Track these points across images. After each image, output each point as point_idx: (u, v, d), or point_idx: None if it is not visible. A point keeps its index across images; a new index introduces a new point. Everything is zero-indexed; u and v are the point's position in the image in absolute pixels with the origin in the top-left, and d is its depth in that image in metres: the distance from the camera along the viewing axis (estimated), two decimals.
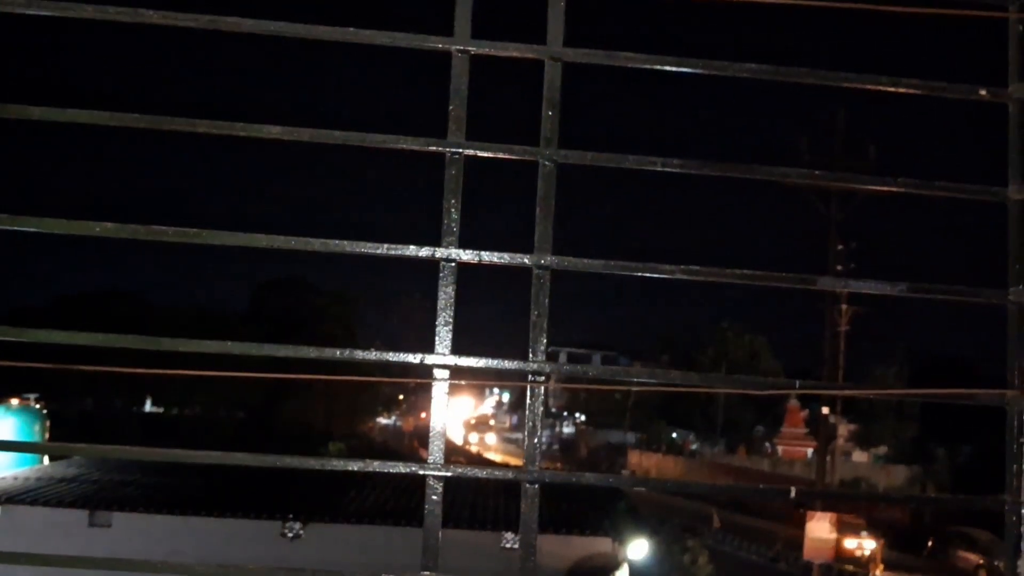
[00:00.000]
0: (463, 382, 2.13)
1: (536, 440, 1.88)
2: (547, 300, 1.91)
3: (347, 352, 1.92)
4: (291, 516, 13.42)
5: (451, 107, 1.94)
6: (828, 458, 35.50)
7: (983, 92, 1.95)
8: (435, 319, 1.90)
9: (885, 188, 1.93)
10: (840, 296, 36.02)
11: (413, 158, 2.02)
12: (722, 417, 63.45)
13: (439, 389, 1.88)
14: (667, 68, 1.95)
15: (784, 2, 2.04)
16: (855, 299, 36.50)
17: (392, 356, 1.92)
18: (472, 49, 1.95)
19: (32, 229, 1.90)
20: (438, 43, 1.95)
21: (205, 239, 1.91)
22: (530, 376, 1.89)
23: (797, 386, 1.94)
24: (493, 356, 1.93)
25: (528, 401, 1.88)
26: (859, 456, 59.60)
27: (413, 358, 1.89)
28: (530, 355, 1.91)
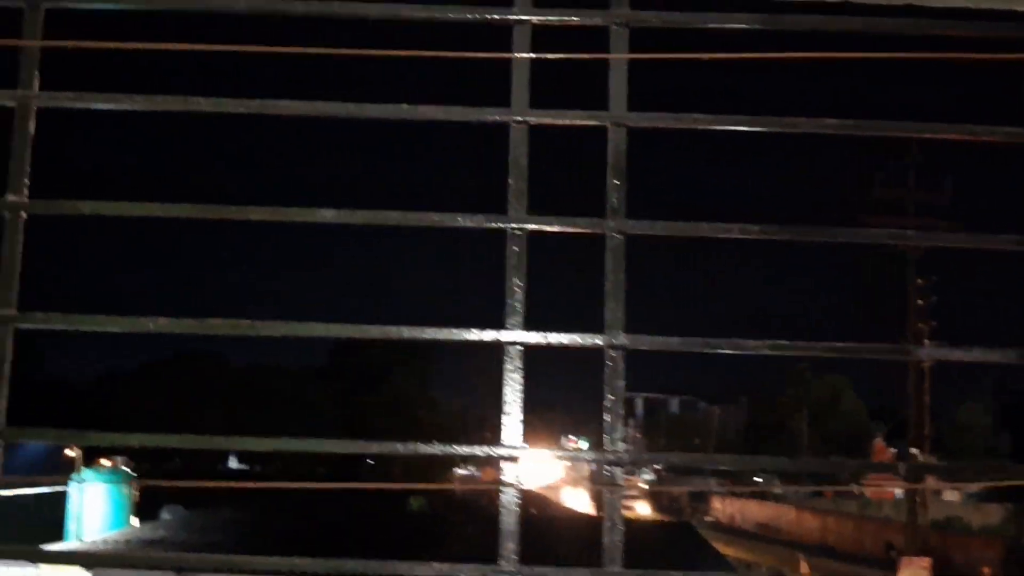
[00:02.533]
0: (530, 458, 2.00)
1: (618, 540, 1.73)
2: (622, 383, 1.77)
3: (412, 446, 1.80)
4: None
5: (510, 180, 1.84)
6: (918, 498, 34.08)
7: None
8: (501, 407, 1.78)
9: (971, 245, 1.76)
10: (923, 334, 34.88)
11: (474, 235, 1.92)
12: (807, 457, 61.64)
13: (507, 482, 1.75)
14: (739, 128, 1.82)
15: (826, 57, 1.89)
16: (939, 336, 35.30)
17: (461, 449, 1.81)
18: (531, 119, 1.85)
19: (88, 328, 1.84)
20: (495, 115, 1.86)
21: (259, 331, 1.83)
22: (605, 468, 1.75)
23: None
24: (556, 433, 1.80)
25: (606, 496, 1.74)
26: (950, 495, 57.16)
27: (479, 451, 1.77)
28: (606, 442, 1.77)
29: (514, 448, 1.75)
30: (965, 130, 1.75)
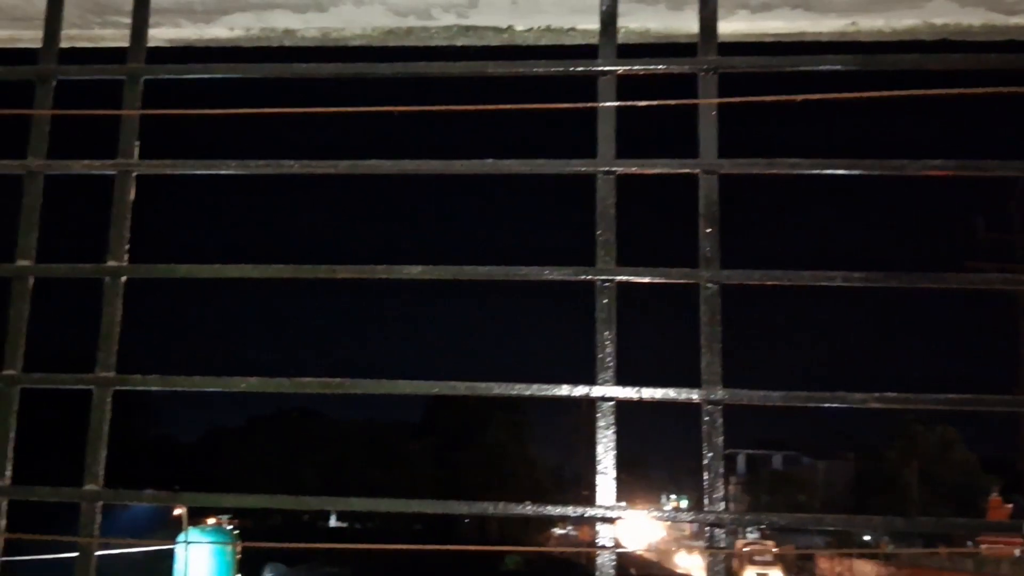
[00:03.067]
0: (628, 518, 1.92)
1: None
2: (720, 439, 1.70)
3: (503, 507, 1.76)
4: None
5: (598, 232, 1.80)
6: None
7: None
8: (595, 464, 1.73)
9: None
10: None
11: (562, 287, 1.88)
12: (917, 514, 58.87)
13: (603, 545, 1.69)
14: (836, 172, 1.75)
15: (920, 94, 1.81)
16: None
17: (553, 510, 1.75)
18: (617, 170, 1.81)
19: (183, 388, 1.87)
20: (580, 167, 1.83)
21: (348, 389, 1.82)
22: (708, 529, 1.67)
23: None
24: (655, 492, 1.73)
25: (707, 560, 1.66)
26: None
27: (573, 512, 1.71)
28: (706, 502, 1.69)
29: (609, 508, 1.68)
30: None
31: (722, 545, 1.68)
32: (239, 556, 22.20)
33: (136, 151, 1.91)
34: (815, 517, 1.71)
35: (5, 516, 1.80)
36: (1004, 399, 1.65)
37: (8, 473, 1.81)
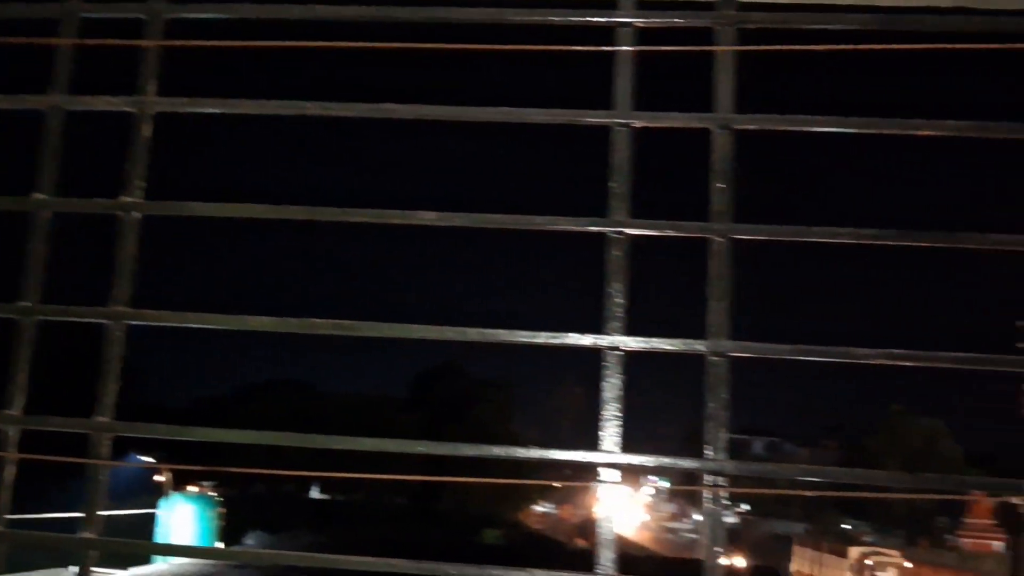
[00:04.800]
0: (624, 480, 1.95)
1: (718, 550, 1.68)
2: (725, 390, 1.72)
3: (509, 449, 1.78)
4: None
5: (612, 183, 1.82)
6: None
7: None
8: (599, 411, 1.75)
9: None
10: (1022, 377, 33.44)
11: (570, 240, 1.90)
12: (901, 506, 59.41)
13: (607, 490, 1.72)
14: (851, 130, 1.77)
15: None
16: None
17: (557, 454, 1.78)
18: (634, 122, 1.83)
19: (195, 325, 1.88)
20: (597, 118, 1.85)
21: (360, 331, 1.84)
22: (707, 477, 1.70)
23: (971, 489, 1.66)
24: (653, 448, 1.77)
25: (707, 508, 1.69)
26: None
27: (580, 456, 1.74)
28: (706, 451, 1.72)
29: (614, 453, 1.71)
30: None
31: (723, 496, 1.71)
32: (222, 523, 22.27)
33: (154, 89, 1.92)
34: (819, 469, 1.74)
35: (17, 446, 1.81)
36: (1010, 359, 1.68)
37: (21, 404, 1.83)
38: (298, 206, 1.85)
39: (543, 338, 1.77)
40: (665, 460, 1.75)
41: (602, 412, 1.73)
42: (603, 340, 1.75)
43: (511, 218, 1.85)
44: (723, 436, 1.71)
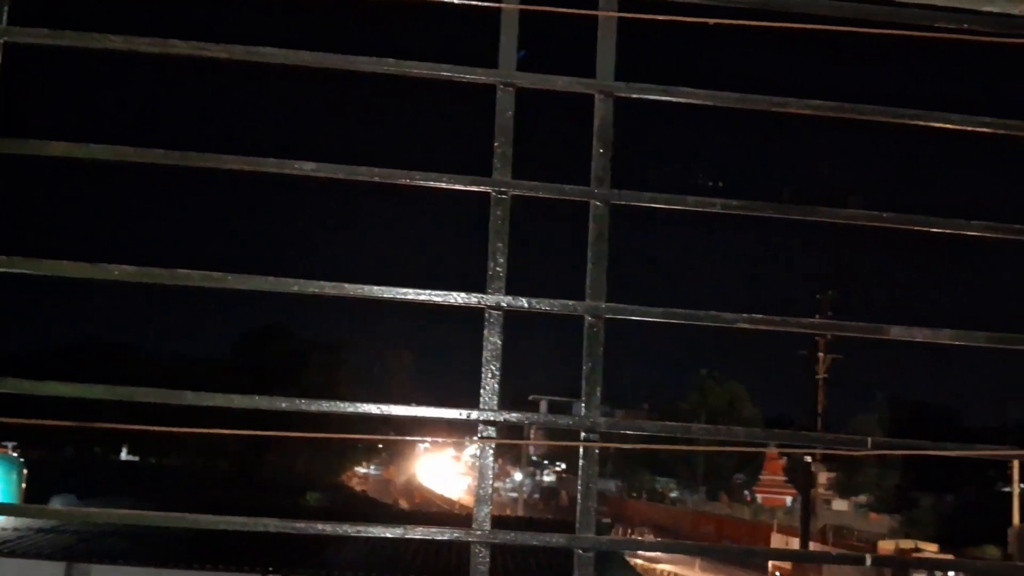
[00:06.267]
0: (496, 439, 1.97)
1: (591, 504, 1.73)
2: (601, 350, 1.77)
3: (381, 407, 1.77)
4: (271, 569, 13.07)
5: (496, 144, 1.82)
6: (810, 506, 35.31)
7: None
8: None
9: (960, 231, 1.82)
10: (818, 345, 36.26)
11: (450, 199, 1.90)
12: (703, 464, 63.12)
13: (485, 447, 1.73)
14: (728, 105, 1.84)
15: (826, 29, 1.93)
16: (835, 346, 36.75)
17: (432, 411, 1.78)
18: (518, 82, 1.83)
19: (51, 273, 1.75)
20: (482, 76, 1.84)
21: (232, 284, 1.77)
22: (584, 434, 1.75)
23: (869, 445, 1.80)
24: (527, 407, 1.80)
25: (582, 463, 1.74)
26: (839, 504, 59.27)
27: (459, 414, 1.75)
28: (583, 409, 1.77)
29: (493, 411, 1.73)
30: (960, 120, 1.81)
31: (595, 451, 1.77)
32: (24, 485, 20.97)
33: (4, 16, 1.75)
34: (682, 426, 1.82)
35: None
36: (861, 325, 1.81)
37: None
38: (172, 151, 1.75)
39: (426, 296, 1.76)
40: (541, 417, 1.79)
41: (482, 371, 1.75)
42: (486, 299, 1.75)
43: (393, 172, 1.81)
44: (599, 394, 1.76)
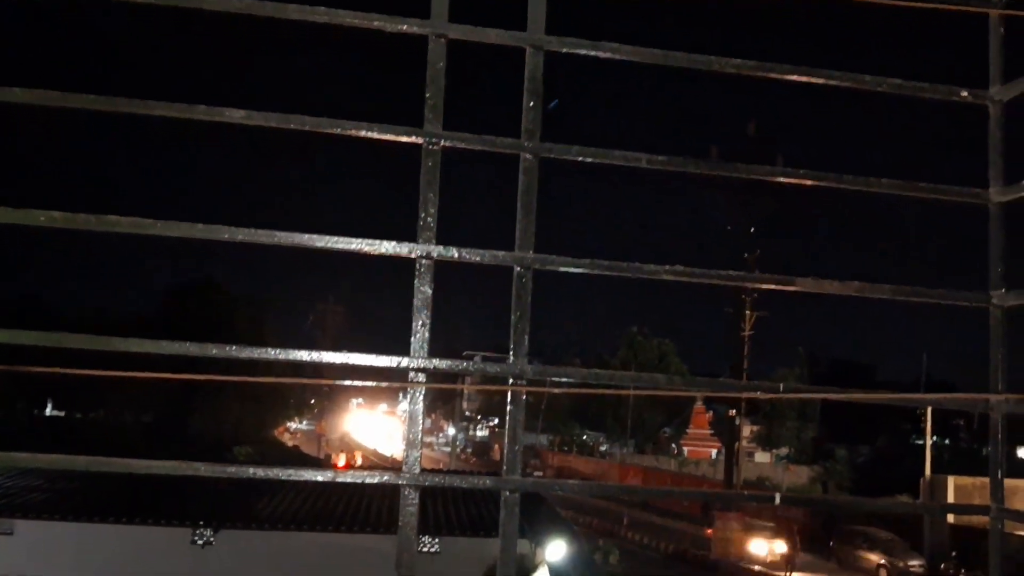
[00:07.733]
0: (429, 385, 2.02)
1: (517, 448, 1.80)
2: (529, 300, 1.82)
3: (316, 355, 1.79)
4: (202, 523, 13.01)
5: (427, 95, 1.84)
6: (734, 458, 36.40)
7: (964, 94, 1.94)
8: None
9: (870, 188, 1.91)
10: (744, 303, 37.24)
11: (380, 150, 1.92)
12: (632, 419, 64.34)
13: (416, 394, 1.78)
14: (653, 62, 1.89)
15: None
16: (760, 304, 37.71)
17: (364, 359, 1.81)
18: (449, 34, 1.85)
19: None
20: (414, 26, 1.85)
21: (161, 231, 1.76)
22: (512, 380, 1.80)
23: (781, 389, 1.90)
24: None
25: (510, 408, 1.79)
26: (761, 456, 61.21)
27: (390, 361, 1.78)
28: (511, 358, 1.82)
29: (423, 359, 1.77)
30: (872, 81, 1.89)
31: (522, 397, 1.82)
32: None
33: None
34: (608, 373, 1.89)
35: None
36: (771, 277, 1.89)
37: None
38: (98, 96, 1.73)
39: (357, 244, 1.78)
40: (471, 365, 1.84)
41: (414, 319, 1.78)
42: (417, 249, 1.79)
43: (324, 121, 1.82)
44: (526, 343, 1.81)
